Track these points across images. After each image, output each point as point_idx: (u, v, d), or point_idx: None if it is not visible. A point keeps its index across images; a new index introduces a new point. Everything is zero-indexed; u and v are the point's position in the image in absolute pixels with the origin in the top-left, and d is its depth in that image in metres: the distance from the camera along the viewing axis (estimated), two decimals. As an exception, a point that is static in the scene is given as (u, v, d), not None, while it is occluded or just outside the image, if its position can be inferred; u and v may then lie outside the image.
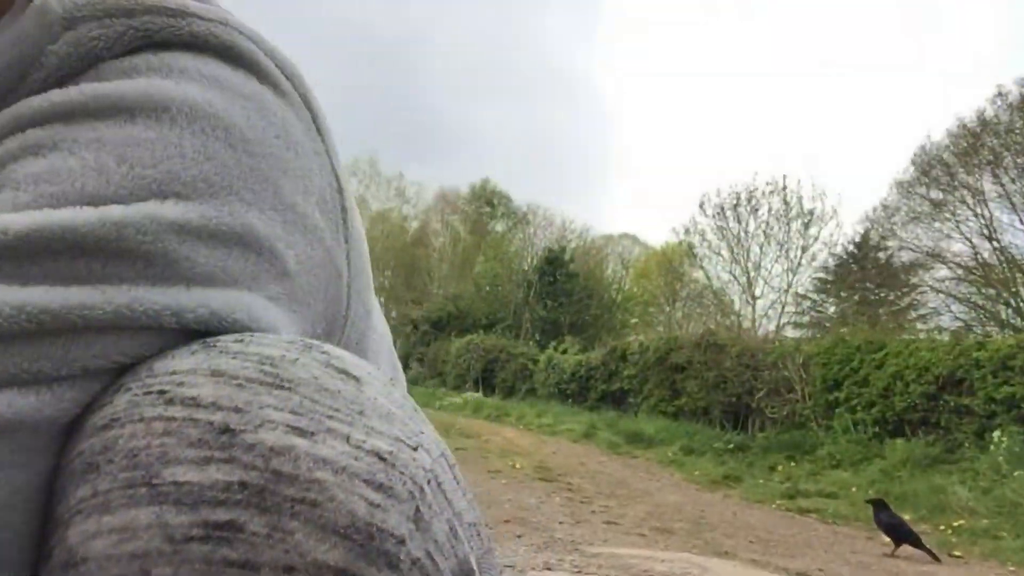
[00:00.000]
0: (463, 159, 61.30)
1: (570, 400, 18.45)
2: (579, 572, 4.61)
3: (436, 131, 63.89)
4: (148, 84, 0.39)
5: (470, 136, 64.64)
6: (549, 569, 4.60)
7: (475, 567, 0.34)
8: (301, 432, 0.31)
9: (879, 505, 6.73)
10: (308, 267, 0.44)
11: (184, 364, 0.34)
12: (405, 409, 0.36)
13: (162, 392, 0.32)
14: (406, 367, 28.74)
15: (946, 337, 11.80)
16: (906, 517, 8.16)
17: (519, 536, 5.74)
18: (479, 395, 21.08)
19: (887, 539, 6.59)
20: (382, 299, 41.57)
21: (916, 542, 6.36)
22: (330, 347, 0.38)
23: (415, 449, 0.33)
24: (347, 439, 0.32)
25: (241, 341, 0.35)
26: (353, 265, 0.49)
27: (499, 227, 38.84)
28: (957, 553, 6.85)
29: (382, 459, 0.32)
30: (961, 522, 7.74)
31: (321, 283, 0.46)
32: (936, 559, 6.26)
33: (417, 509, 0.31)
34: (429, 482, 0.33)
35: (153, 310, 0.35)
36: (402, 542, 0.30)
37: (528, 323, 28.86)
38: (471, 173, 68.77)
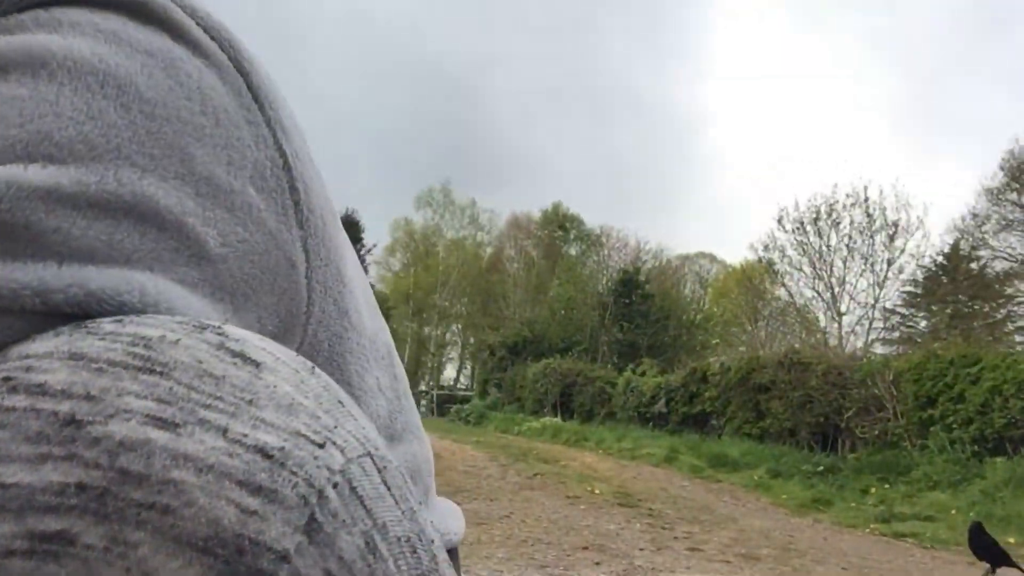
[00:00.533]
0: (534, 184, 61.59)
1: (650, 423, 18.14)
2: (660, 601, 4.46)
3: (507, 158, 64.43)
4: (30, 39, 0.34)
5: (541, 161, 64.94)
6: (628, 598, 4.47)
7: None
8: (163, 423, 0.26)
9: (976, 529, 6.45)
10: (241, 252, 0.38)
11: (42, 347, 0.29)
12: (322, 401, 0.30)
13: (7, 379, 0.27)
14: (484, 392, 28.85)
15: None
16: (1010, 540, 7.70)
17: (597, 564, 5.61)
18: (557, 420, 20.93)
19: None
20: (459, 326, 42.00)
21: (1009, 562, 6.12)
22: (233, 329, 0.31)
23: (320, 446, 0.27)
24: (223, 432, 0.26)
25: (119, 322, 0.30)
26: (314, 255, 0.43)
27: (572, 250, 38.80)
28: (1069, 579, 6.40)
29: (267, 456, 0.26)
30: (1073, 546, 7.24)
31: (265, 272, 0.40)
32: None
33: (312, 518, 0.25)
34: (336, 486, 0.27)
35: (9, 289, 0.30)
36: (285, 558, 0.25)
37: (605, 346, 28.62)
38: (543, 198, 68.98)
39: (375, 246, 34.34)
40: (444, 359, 43.26)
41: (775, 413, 14.23)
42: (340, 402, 0.31)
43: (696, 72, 70.43)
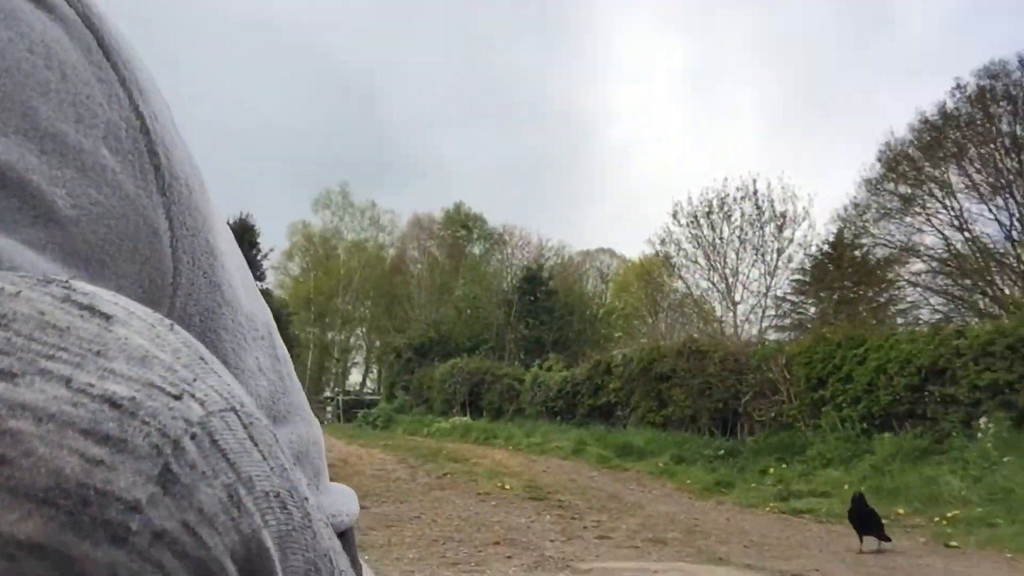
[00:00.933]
0: (436, 185, 61.39)
1: (558, 417, 18.34)
2: (571, 589, 4.51)
3: (406, 159, 63.99)
4: None
5: (441, 162, 64.75)
6: (540, 588, 4.49)
7: (270, 545, 0.26)
8: (0, 374, 0.24)
9: (859, 498, 6.76)
10: (95, 215, 0.36)
11: None
12: (181, 356, 0.28)
13: None
14: (391, 396, 28.55)
15: (926, 330, 11.82)
16: (900, 511, 8.13)
17: (509, 557, 5.62)
18: (467, 419, 20.92)
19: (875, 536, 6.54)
20: (363, 329, 41.42)
21: (880, 532, 6.45)
22: (82, 284, 0.28)
23: (177, 397, 0.26)
24: (67, 382, 0.25)
25: None
26: (179, 223, 0.41)
27: (476, 250, 38.83)
28: (954, 544, 6.80)
29: (116, 406, 0.24)
30: (955, 512, 7.70)
31: (123, 238, 0.37)
32: (888, 539, 6.46)
33: (166, 468, 0.24)
34: (194, 437, 0.25)
35: None
36: (135, 509, 0.23)
37: (511, 343, 28.78)
38: (444, 198, 68.87)
39: (272, 251, 33.41)
40: (349, 364, 42.60)
41: (676, 401, 14.62)
42: (202, 358, 0.29)
43: (594, 72, 71.62)
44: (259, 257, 31.42)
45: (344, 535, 0.55)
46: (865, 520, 6.49)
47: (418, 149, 64.95)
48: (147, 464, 0.24)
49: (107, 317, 0.27)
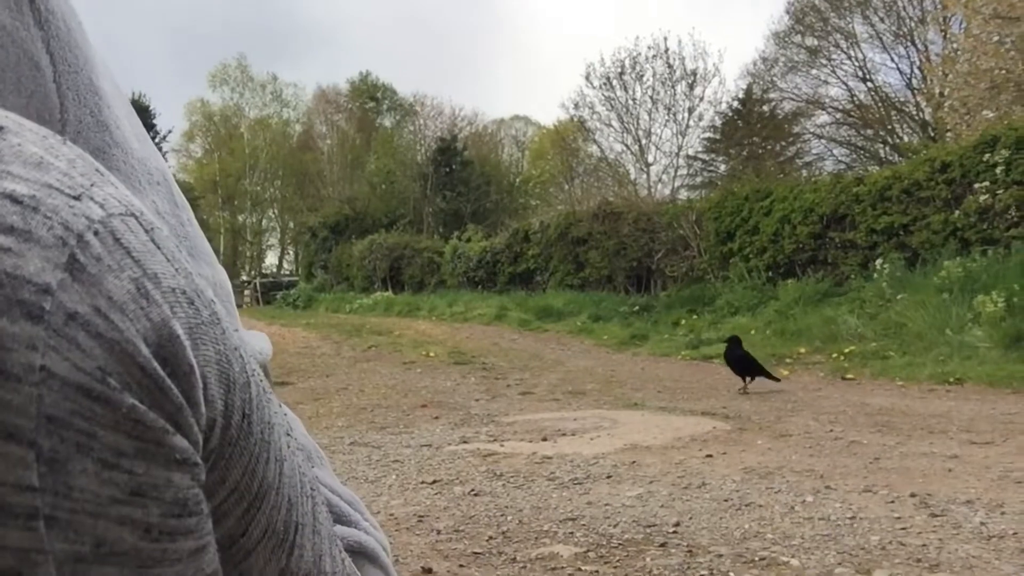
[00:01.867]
0: (340, 55, 58.93)
1: (480, 287, 18.57)
2: (494, 440, 4.71)
3: (306, 28, 60.88)
4: None
5: (344, 30, 61.92)
6: (465, 442, 4.68)
7: (180, 333, 0.27)
8: None
9: (733, 341, 6.94)
10: None
11: None
12: (76, 165, 0.28)
13: None
14: (310, 276, 28.30)
15: (828, 179, 12.23)
16: (801, 350, 8.65)
17: (436, 417, 5.81)
18: (389, 294, 20.99)
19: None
20: (276, 210, 40.40)
21: (762, 372, 6.66)
22: None
23: (76, 198, 0.26)
24: None
25: None
26: (60, 59, 0.41)
27: (387, 122, 37.79)
28: (850, 376, 7.32)
29: (17, 201, 0.25)
30: (852, 348, 8.24)
31: (4, 70, 0.38)
32: (776, 380, 6.71)
33: (73, 258, 0.25)
34: (97, 233, 0.26)
35: None
36: (47, 291, 0.24)
37: (429, 217, 28.61)
38: (350, 68, 66.22)
39: (171, 132, 31.90)
40: (264, 246, 41.75)
41: (593, 263, 14.95)
42: (98, 170, 0.29)
43: (496, -72, 68.48)
44: (157, 140, 29.97)
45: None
46: (740, 362, 6.71)
47: (319, 17, 61.80)
48: (54, 252, 0.25)
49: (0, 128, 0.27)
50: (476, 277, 18.87)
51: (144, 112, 29.26)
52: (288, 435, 0.39)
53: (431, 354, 10.01)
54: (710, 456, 4.09)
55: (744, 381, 6.68)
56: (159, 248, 0.29)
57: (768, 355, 8.58)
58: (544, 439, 4.68)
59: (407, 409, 6.25)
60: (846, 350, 8.20)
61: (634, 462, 4.00)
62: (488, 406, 6.24)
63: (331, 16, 62.26)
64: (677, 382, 7.35)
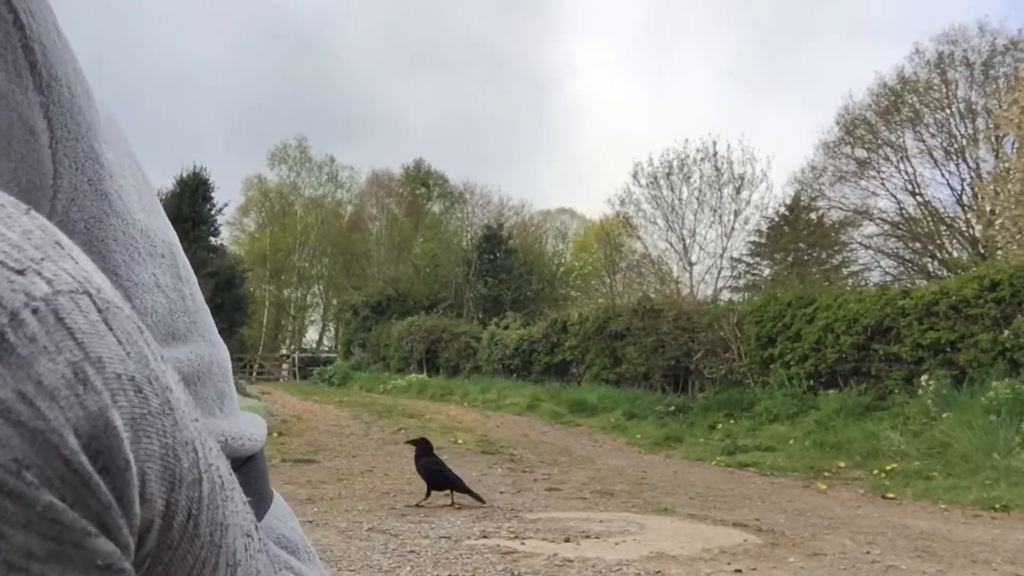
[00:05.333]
0: (395, 141, 60.60)
1: (514, 375, 18.46)
2: (516, 537, 4.56)
3: (366, 114, 63.01)
4: None
5: (401, 117, 63.92)
6: (485, 537, 4.54)
7: (118, 424, 0.25)
8: None
9: (421, 447, 6.11)
10: None
11: None
12: (32, 237, 0.27)
13: None
14: (348, 353, 28.44)
15: (874, 290, 12.06)
16: (841, 464, 8.36)
17: (458, 508, 5.68)
18: (423, 376, 20.95)
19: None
20: (320, 287, 41.02)
21: (459, 487, 5.86)
22: None
23: (19, 272, 0.25)
24: None
25: None
26: (59, 125, 0.40)
27: (436, 208, 38.54)
28: (891, 495, 7.02)
29: None
30: (894, 465, 7.94)
31: None
32: (481, 501, 5.81)
33: (1, 337, 0.23)
34: (35, 312, 0.24)
35: None
36: None
37: (470, 302, 28.78)
38: (404, 155, 68.10)
39: (227, 205, 32.71)
40: (306, 322, 42.23)
41: (630, 359, 14.79)
42: (58, 243, 0.28)
43: (555, 29, 70.96)
44: (213, 212, 30.73)
45: (249, 461, 0.55)
46: (434, 474, 5.89)
47: (378, 104, 64.00)
48: None
49: None
50: (511, 365, 18.78)
51: (203, 185, 30.16)
52: (247, 536, 0.35)
53: (460, 441, 9.89)
54: (739, 572, 3.91)
55: (428, 494, 5.84)
56: (111, 330, 0.27)
57: (806, 467, 8.31)
58: (567, 540, 4.53)
59: (431, 500, 6.13)
60: (887, 467, 7.91)
61: (659, 572, 3.83)
62: (512, 500, 6.10)
63: (389, 104, 64.48)
64: (710, 488, 7.12)
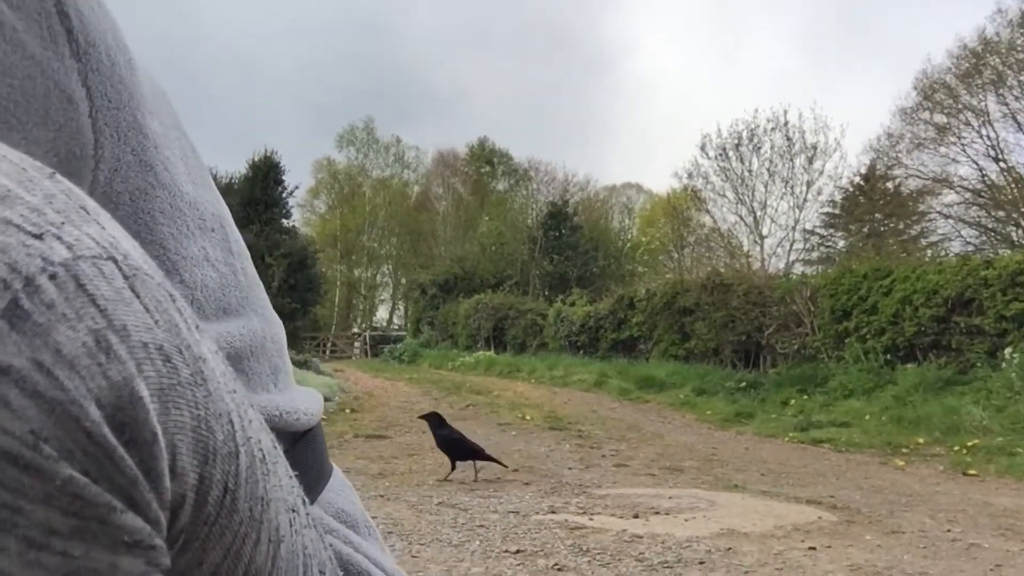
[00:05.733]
0: (460, 120, 60.84)
1: (581, 351, 18.43)
2: (584, 512, 4.57)
3: (430, 94, 63.32)
4: None
5: (465, 97, 64.05)
6: (554, 512, 4.56)
7: (144, 395, 0.24)
8: None
9: (435, 421, 6.08)
10: None
11: None
12: (55, 202, 0.25)
13: None
14: (417, 331, 28.83)
15: (954, 260, 11.60)
16: (920, 440, 8.12)
17: (527, 484, 5.71)
18: (491, 353, 21.10)
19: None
20: (389, 266, 41.60)
21: (480, 455, 5.85)
22: None
23: (37, 236, 0.23)
24: None
25: None
26: (98, 94, 0.39)
27: (501, 186, 38.61)
28: (972, 472, 6.78)
29: None
30: (976, 441, 7.67)
31: (30, 100, 0.36)
32: (504, 466, 5.96)
33: (15, 303, 0.22)
34: (54, 277, 0.23)
35: None
36: None
37: (535, 279, 28.79)
38: (469, 133, 68.16)
39: (297, 187, 33.32)
40: (376, 300, 42.94)
41: (699, 334, 14.60)
42: (83, 208, 0.26)
43: (618, 1, 69.93)
44: (285, 194, 31.32)
45: (307, 434, 0.54)
46: (454, 445, 5.89)
47: (442, 84, 64.23)
48: None
49: None
50: (578, 342, 18.75)
51: (274, 168, 30.71)
52: (293, 511, 0.34)
53: (527, 417, 9.93)
54: (813, 549, 3.84)
55: (453, 466, 5.87)
56: (138, 297, 0.26)
57: (883, 443, 8.09)
58: (636, 516, 4.51)
59: (499, 471, 6.18)
60: (969, 443, 7.64)
61: (730, 549, 3.79)
62: (581, 476, 6.10)
63: (454, 84, 64.63)
64: (782, 465, 6.99)
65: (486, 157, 39.11)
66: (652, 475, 6.28)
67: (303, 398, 0.56)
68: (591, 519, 4.37)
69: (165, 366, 0.25)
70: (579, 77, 64.89)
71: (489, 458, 5.90)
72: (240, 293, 0.50)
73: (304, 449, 0.54)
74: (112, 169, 0.41)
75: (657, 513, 4.63)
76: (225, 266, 0.49)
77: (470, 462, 5.91)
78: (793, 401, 10.70)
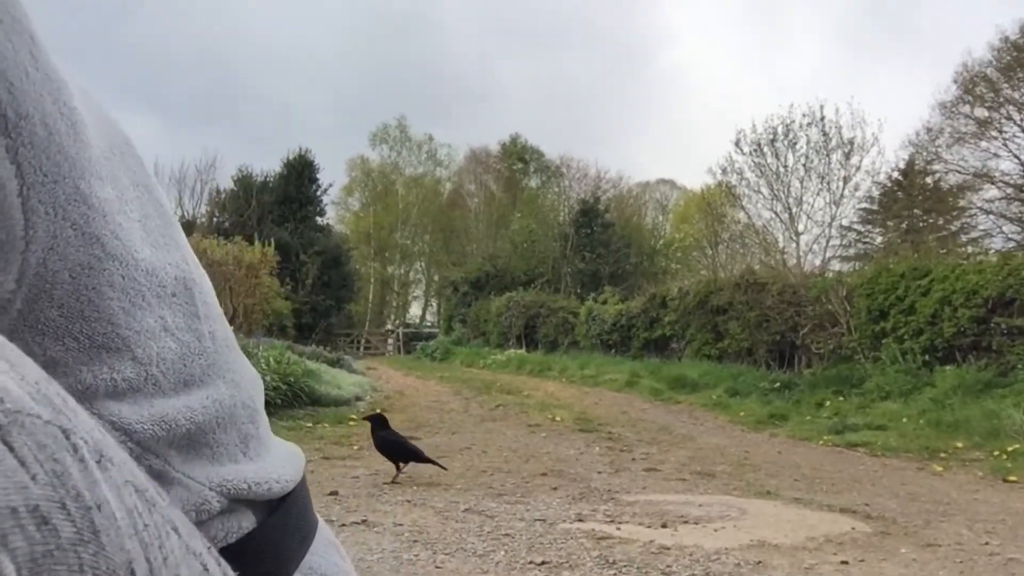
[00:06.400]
0: (492, 117, 60.80)
1: (613, 350, 18.33)
2: (611, 521, 4.52)
3: (462, 91, 63.34)
4: None
5: (497, 93, 63.98)
6: (581, 520, 4.51)
7: (9, 571, 0.21)
8: None
9: (376, 421, 6.03)
10: None
11: None
12: None
13: None
14: (449, 328, 28.90)
15: (995, 259, 11.31)
16: (958, 444, 7.93)
17: (554, 488, 5.67)
18: (522, 351, 21.08)
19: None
20: (422, 263, 41.80)
21: (419, 457, 5.82)
22: None
23: None
24: None
25: None
26: (30, 168, 0.36)
27: (533, 183, 38.55)
28: (1013, 478, 6.61)
29: None
30: (1016, 446, 7.47)
31: None
32: (443, 468, 5.93)
33: None
34: None
35: None
36: None
37: (567, 277, 28.71)
38: (501, 130, 68.11)
39: (331, 186, 33.67)
40: (409, 297, 43.18)
41: (733, 334, 14.44)
42: None
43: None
44: (319, 192, 31.67)
45: (287, 498, 0.52)
46: (392, 447, 5.87)
47: (474, 81, 64.25)
48: None
49: None
50: (610, 340, 18.65)
51: (308, 167, 31.05)
52: None
53: (557, 418, 9.88)
54: (845, 563, 3.75)
55: (398, 468, 5.85)
56: (11, 449, 0.23)
57: (920, 448, 7.92)
58: (664, 525, 4.45)
59: (527, 476, 6.15)
60: (1010, 448, 7.45)
61: (760, 562, 3.72)
62: (610, 480, 6.05)
63: (486, 81, 64.64)
64: (816, 470, 6.87)
65: (518, 154, 39.08)
66: (683, 480, 6.21)
67: (277, 463, 0.53)
68: (618, 528, 4.32)
69: (40, 530, 0.22)
70: (612, 72, 64.51)
71: (428, 460, 5.90)
72: (205, 361, 0.47)
73: (281, 518, 0.51)
74: (47, 248, 0.38)
75: (686, 522, 4.57)
76: (188, 333, 0.46)
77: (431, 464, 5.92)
78: (828, 403, 10.53)
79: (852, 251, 24.23)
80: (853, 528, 4.53)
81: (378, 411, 6.70)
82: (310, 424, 8.54)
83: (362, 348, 30.49)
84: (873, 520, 4.80)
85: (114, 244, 0.42)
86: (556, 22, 66.04)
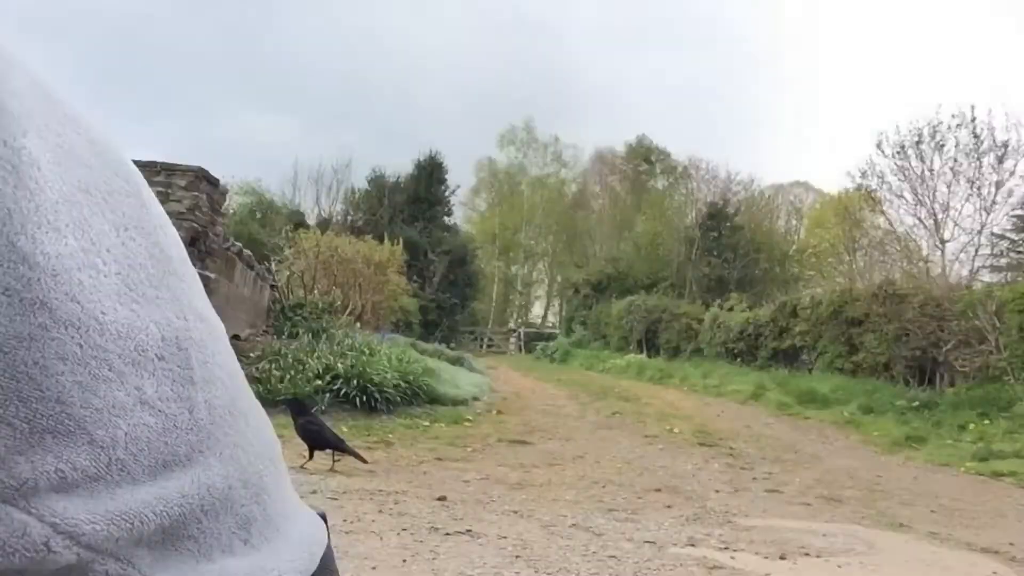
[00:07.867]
0: (618, 118, 60.02)
1: (738, 359, 17.74)
2: (726, 547, 4.30)
3: (588, 93, 62.93)
4: None
5: (623, 94, 63.17)
6: (692, 545, 4.32)
7: None
8: None
9: (295, 407, 5.90)
10: None
11: None
12: None
13: None
14: (569, 330, 28.84)
15: None
16: (1125, 482, 7.19)
17: (668, 507, 5.48)
18: (642, 356, 20.73)
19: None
20: (545, 264, 41.90)
21: (340, 447, 5.75)
22: None
23: None
24: None
25: None
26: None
27: (659, 184, 37.90)
28: None
29: None
30: None
31: None
32: (364, 460, 5.77)
33: None
34: None
35: None
36: None
37: (692, 281, 28.03)
38: (627, 131, 67.39)
39: (459, 187, 34.35)
40: (532, 297, 43.40)
41: (869, 347, 13.66)
42: None
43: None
44: (448, 193, 32.47)
45: None
46: (312, 435, 5.75)
47: (601, 82, 63.79)
48: None
49: None
50: (735, 349, 18.05)
51: (438, 168, 31.80)
52: None
53: (676, 430, 9.61)
54: (985, 614, 3.41)
55: (311, 455, 5.71)
56: None
57: (1078, 482, 7.23)
58: (783, 557, 4.19)
59: (640, 491, 5.98)
60: None
61: (886, 605, 3.43)
62: (727, 501, 5.79)
63: (612, 82, 63.97)
64: (956, 501, 6.36)
65: (644, 155, 38.52)
66: (807, 505, 5.88)
67: (284, 552, 0.44)
68: (732, 557, 4.10)
69: None
70: (743, 71, 62.62)
71: (349, 451, 5.88)
72: (196, 436, 0.38)
73: None
74: (24, 257, 0.31)
75: (807, 554, 4.29)
76: (176, 403, 0.37)
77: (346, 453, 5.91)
78: (972, 426, 9.76)
79: (1004, 261, 22.54)
80: (995, 573, 4.13)
81: (295, 394, 6.83)
82: (427, 423, 8.62)
83: (484, 345, 30.88)
84: (1017, 563, 4.37)
85: (68, 308, 0.33)
86: (686, 21, 64.78)
